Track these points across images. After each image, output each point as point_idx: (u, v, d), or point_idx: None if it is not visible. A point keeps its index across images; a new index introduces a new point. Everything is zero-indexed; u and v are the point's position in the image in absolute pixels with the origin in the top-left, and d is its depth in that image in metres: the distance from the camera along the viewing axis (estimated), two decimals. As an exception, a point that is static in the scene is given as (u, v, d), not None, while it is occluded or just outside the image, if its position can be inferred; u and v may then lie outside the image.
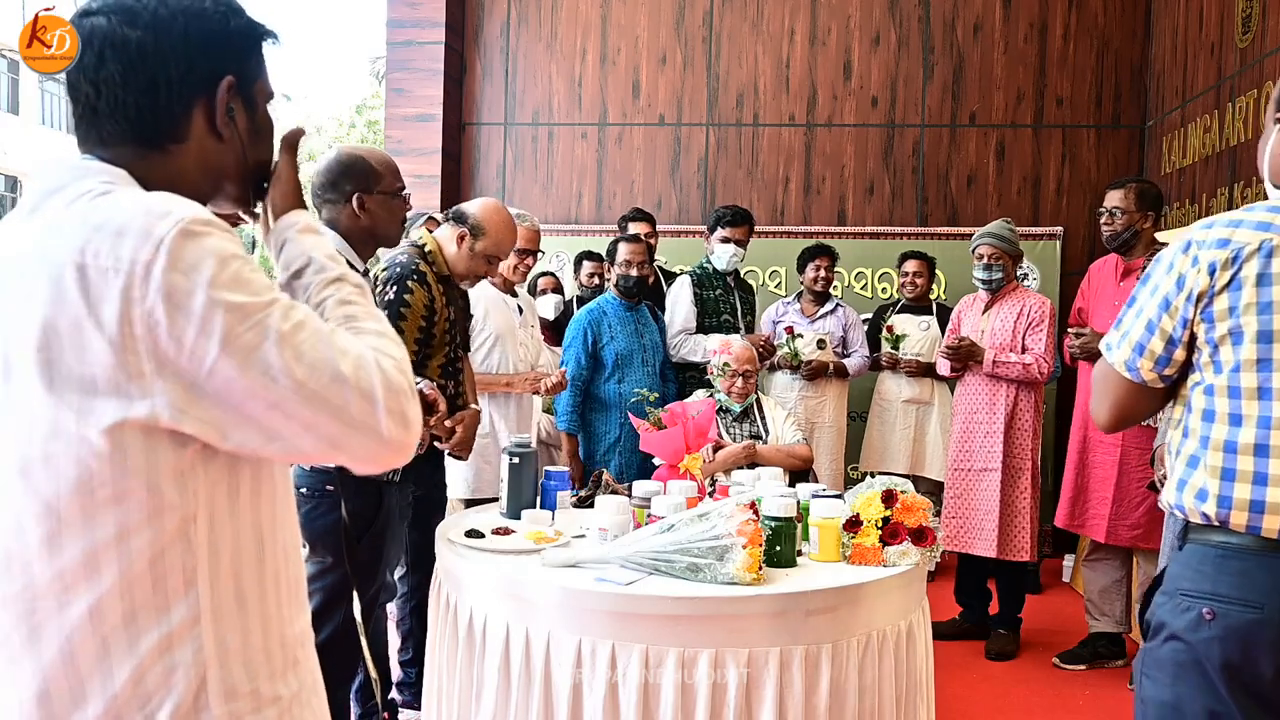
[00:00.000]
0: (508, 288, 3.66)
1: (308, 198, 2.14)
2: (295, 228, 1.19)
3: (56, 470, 0.96)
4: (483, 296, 3.51)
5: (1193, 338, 1.53)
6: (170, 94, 1.06)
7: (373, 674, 1.71)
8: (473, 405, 3.09)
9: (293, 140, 1.23)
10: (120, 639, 0.98)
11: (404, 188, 2.61)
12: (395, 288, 2.78)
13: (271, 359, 0.94)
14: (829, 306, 4.86)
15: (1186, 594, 1.50)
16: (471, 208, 2.96)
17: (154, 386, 0.93)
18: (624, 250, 4.02)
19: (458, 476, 3.47)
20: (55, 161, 1.05)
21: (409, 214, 3.07)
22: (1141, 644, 1.61)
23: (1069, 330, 3.97)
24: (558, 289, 5.15)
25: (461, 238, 2.93)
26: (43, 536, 0.97)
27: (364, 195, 2.49)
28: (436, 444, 2.95)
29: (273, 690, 1.06)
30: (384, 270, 2.83)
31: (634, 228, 4.61)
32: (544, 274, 5.22)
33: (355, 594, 1.65)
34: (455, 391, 3.01)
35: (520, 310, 3.68)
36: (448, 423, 2.93)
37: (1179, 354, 1.55)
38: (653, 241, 4.74)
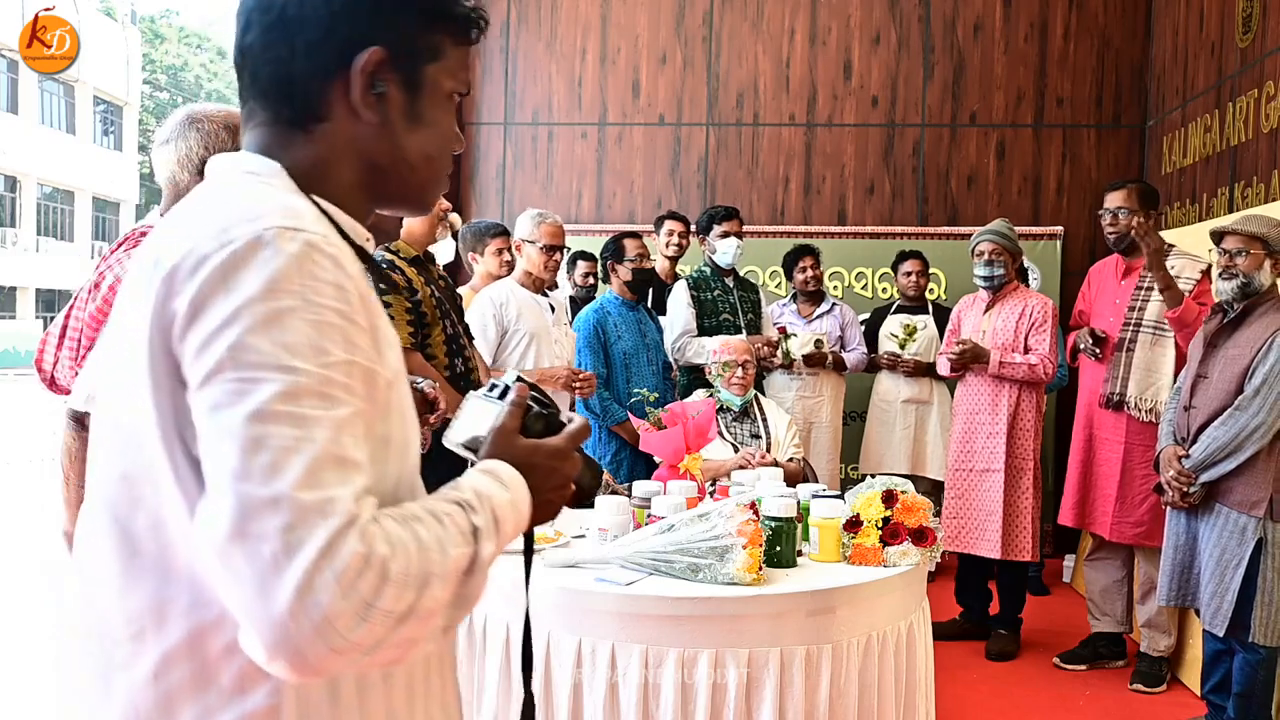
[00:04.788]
0: (537, 287, 3.65)
1: None
2: (480, 466, 0.97)
3: (141, 493, 0.84)
4: (513, 297, 3.53)
5: None
6: (307, 62, 0.91)
7: None
8: None
9: (519, 398, 1.03)
10: (187, 712, 0.82)
11: None
12: (371, 279, 2.87)
13: (228, 426, 0.75)
14: (825, 306, 4.87)
15: None
16: None
17: (180, 398, 0.81)
18: (631, 247, 4.04)
19: None
20: (220, 159, 0.95)
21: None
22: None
23: (1077, 332, 3.97)
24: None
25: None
26: (119, 569, 0.85)
27: None
28: None
29: None
30: None
31: (669, 225, 4.74)
32: None
33: None
34: (466, 369, 3.04)
35: (551, 309, 3.69)
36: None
37: None
38: (684, 242, 4.75)
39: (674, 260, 4.81)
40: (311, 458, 0.76)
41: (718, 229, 4.40)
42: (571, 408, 4.22)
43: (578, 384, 3.62)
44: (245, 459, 0.75)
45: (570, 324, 3.96)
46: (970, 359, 4.03)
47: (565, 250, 3.79)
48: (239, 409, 0.75)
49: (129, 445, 0.84)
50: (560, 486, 1.01)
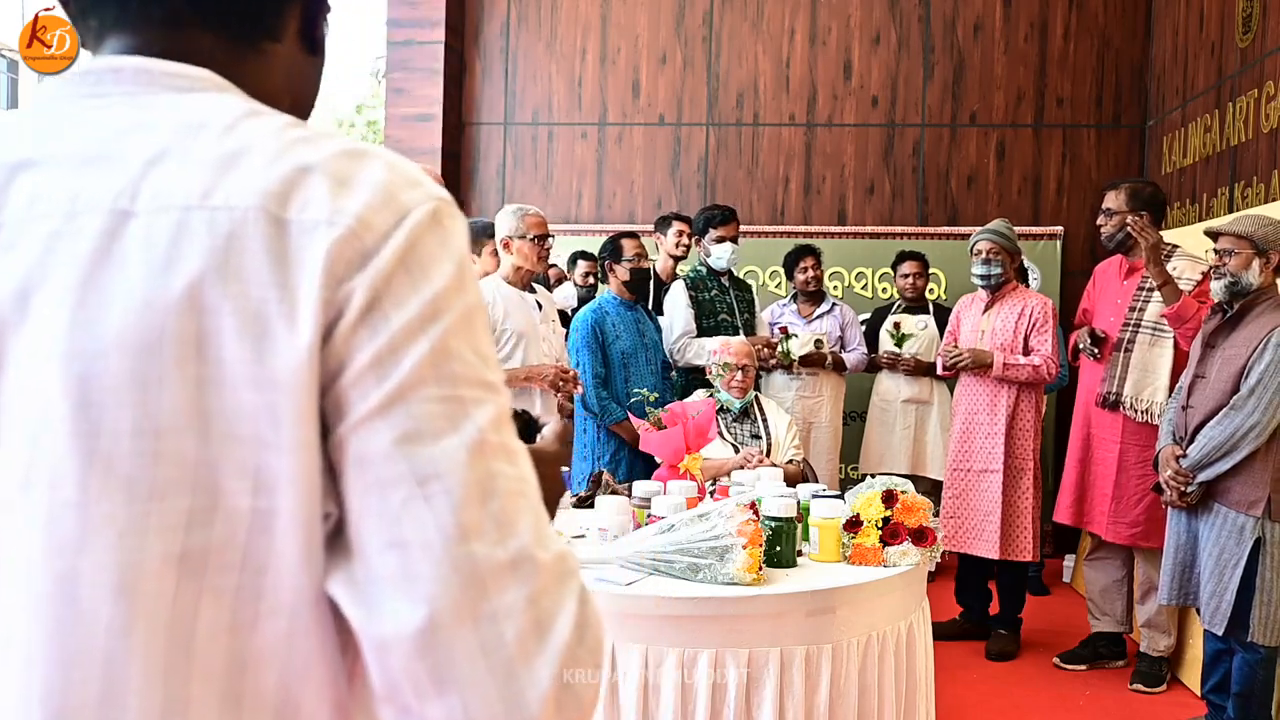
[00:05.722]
0: (524, 284, 3.63)
1: None
2: None
3: (216, 584, 0.56)
4: (499, 295, 3.52)
5: None
6: None
7: None
8: None
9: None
10: None
11: None
12: None
13: (445, 465, 0.56)
14: (825, 306, 4.87)
15: None
16: None
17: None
18: (629, 247, 4.06)
19: None
20: (144, 63, 0.64)
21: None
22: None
23: (1078, 331, 3.97)
24: (564, 279, 5.21)
25: None
26: (154, 709, 0.55)
27: None
28: None
29: None
30: None
31: (678, 225, 4.69)
32: (550, 266, 5.25)
33: None
34: None
35: (539, 306, 3.68)
36: None
37: None
38: (688, 241, 4.73)
39: (681, 260, 4.80)
40: (535, 502, 0.60)
41: (713, 233, 4.39)
42: (568, 408, 4.22)
43: (565, 383, 3.62)
44: (471, 508, 0.56)
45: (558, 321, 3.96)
46: (971, 365, 4.03)
47: (552, 238, 3.77)
48: (453, 439, 0.56)
49: (199, 509, 0.56)
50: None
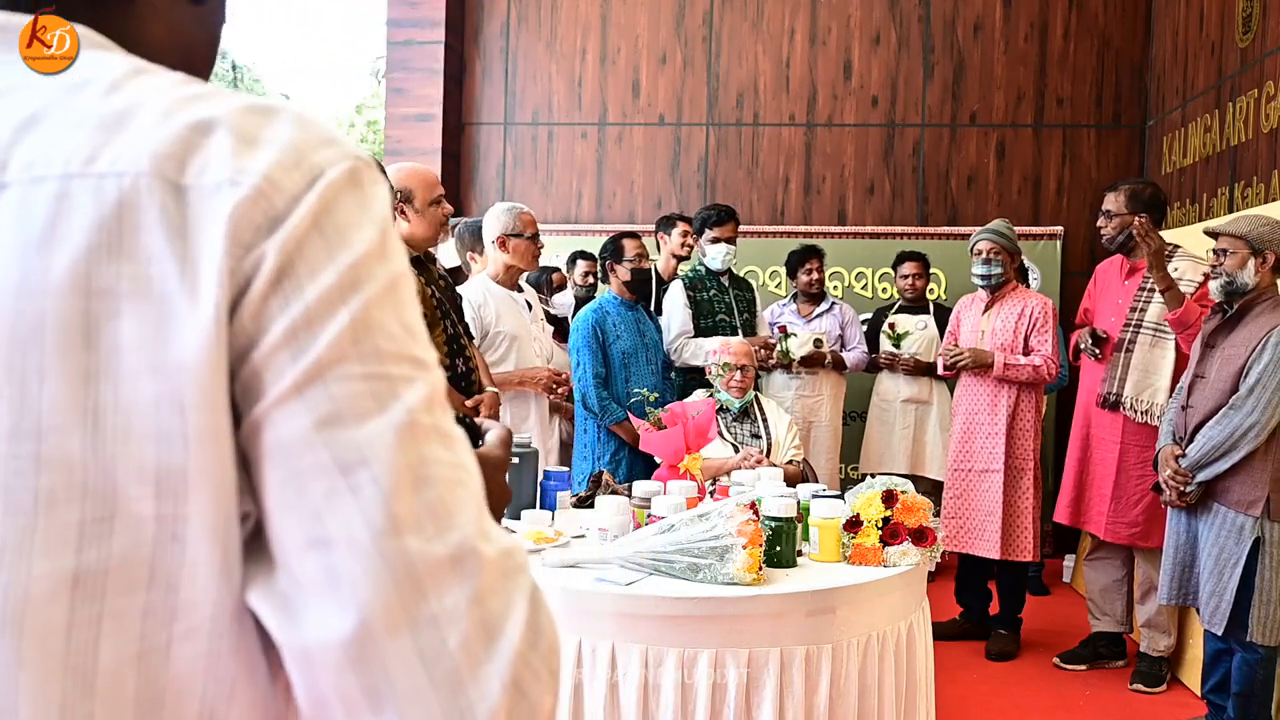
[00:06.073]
0: (513, 283, 3.64)
1: None
2: None
3: (120, 605, 0.49)
4: (491, 296, 3.52)
5: None
6: None
7: None
8: (489, 388, 3.12)
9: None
10: None
11: None
12: None
13: (371, 450, 0.50)
14: (825, 306, 4.88)
15: None
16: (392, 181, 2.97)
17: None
18: (630, 247, 4.06)
19: None
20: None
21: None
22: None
23: (1079, 331, 3.97)
24: (565, 284, 5.21)
25: (401, 212, 2.97)
26: None
27: None
28: None
29: None
30: None
31: (683, 225, 4.66)
32: (555, 270, 5.25)
33: None
34: (466, 369, 3.04)
35: (529, 306, 3.68)
36: (468, 403, 2.97)
37: None
38: (692, 242, 4.73)
39: (684, 260, 4.80)
40: (476, 492, 0.54)
41: (709, 233, 4.39)
42: (569, 408, 4.23)
43: (559, 385, 3.63)
44: (402, 498, 0.50)
45: (546, 320, 3.96)
46: (971, 365, 4.03)
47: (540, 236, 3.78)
48: (380, 421, 0.50)
49: (93, 519, 0.49)
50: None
